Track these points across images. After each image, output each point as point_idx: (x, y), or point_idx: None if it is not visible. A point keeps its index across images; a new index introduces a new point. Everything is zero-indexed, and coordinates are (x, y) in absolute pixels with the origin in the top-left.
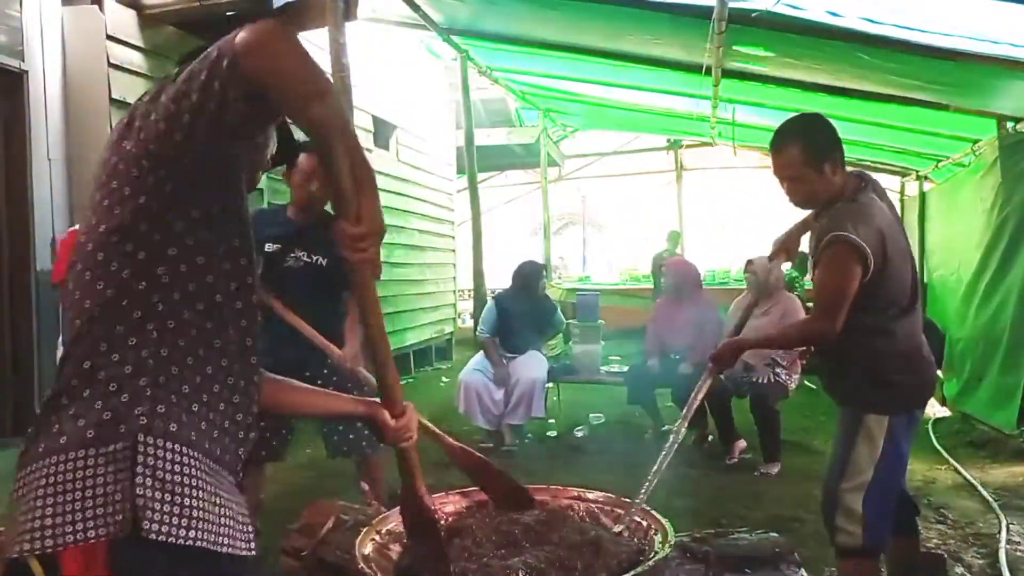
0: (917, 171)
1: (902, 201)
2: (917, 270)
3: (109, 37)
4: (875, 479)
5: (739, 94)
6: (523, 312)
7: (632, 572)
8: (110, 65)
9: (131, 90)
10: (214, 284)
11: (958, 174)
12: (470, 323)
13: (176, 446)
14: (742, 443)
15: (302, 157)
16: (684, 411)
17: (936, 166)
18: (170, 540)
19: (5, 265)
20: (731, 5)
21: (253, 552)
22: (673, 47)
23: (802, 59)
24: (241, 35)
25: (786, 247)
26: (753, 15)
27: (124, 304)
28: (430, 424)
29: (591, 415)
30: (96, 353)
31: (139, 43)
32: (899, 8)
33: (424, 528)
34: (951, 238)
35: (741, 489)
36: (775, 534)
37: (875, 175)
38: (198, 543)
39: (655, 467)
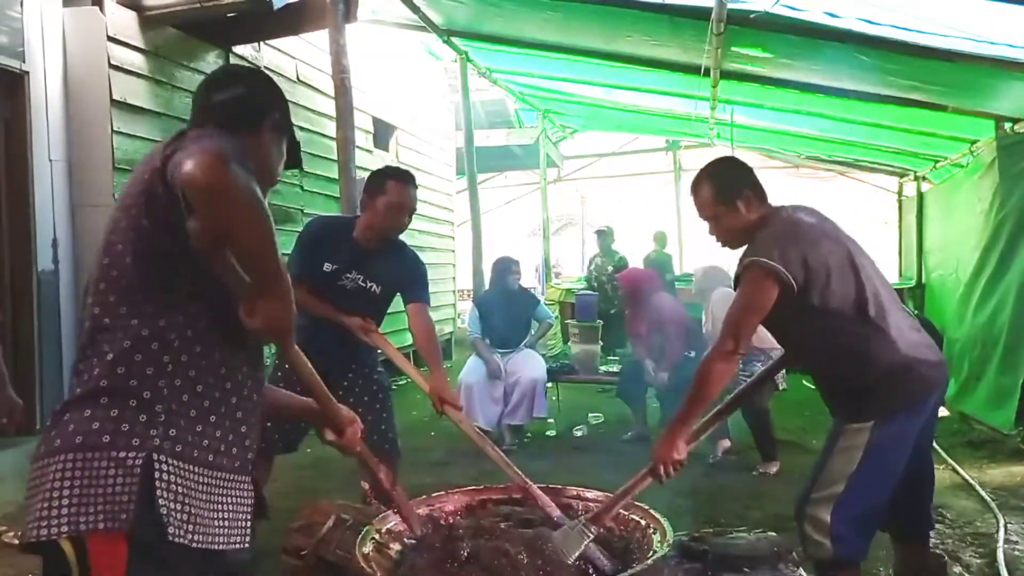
0: (915, 172)
1: (900, 202)
2: (877, 275)
3: (110, 38)
4: (849, 491)
5: (737, 95)
6: (503, 307)
7: (631, 571)
8: (111, 66)
9: (132, 91)
10: (224, 319)
11: (956, 175)
12: None
13: (181, 464)
14: (725, 442)
15: (391, 185)
16: (618, 498)
17: (934, 167)
18: (182, 542)
19: (6, 266)
20: (729, 6)
21: (247, 544)
22: (672, 48)
23: (800, 60)
24: (190, 171)
25: None
26: (751, 16)
27: (143, 335)
28: None
29: (590, 415)
30: (113, 371)
31: (140, 44)
32: (896, 7)
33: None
34: (949, 238)
35: (739, 488)
36: (773, 533)
37: (872, 175)
38: (197, 544)
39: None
